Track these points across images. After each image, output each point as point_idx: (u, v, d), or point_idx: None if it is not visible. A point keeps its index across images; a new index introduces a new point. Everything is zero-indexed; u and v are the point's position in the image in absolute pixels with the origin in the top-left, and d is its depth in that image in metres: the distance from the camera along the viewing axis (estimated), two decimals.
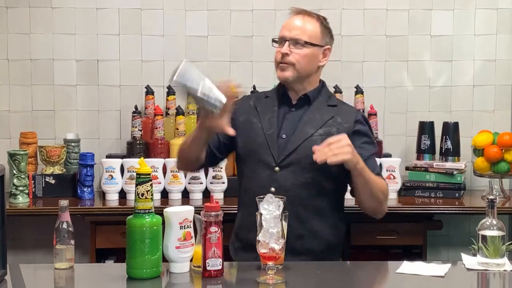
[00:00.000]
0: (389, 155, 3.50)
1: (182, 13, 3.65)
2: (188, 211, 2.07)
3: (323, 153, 2.21)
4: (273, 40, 2.52)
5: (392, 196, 3.35)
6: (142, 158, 2.13)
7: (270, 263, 1.97)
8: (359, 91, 3.56)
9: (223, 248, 2.03)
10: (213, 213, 2.00)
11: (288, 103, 2.51)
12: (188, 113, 3.51)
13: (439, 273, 2.07)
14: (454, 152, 3.48)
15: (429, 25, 3.69)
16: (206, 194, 3.33)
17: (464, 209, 3.32)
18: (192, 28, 3.65)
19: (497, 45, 3.69)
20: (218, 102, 2.19)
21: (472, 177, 3.57)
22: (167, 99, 3.55)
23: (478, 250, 2.13)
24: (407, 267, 2.12)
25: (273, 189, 2.35)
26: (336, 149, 2.21)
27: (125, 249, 2.00)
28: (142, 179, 1.97)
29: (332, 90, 3.51)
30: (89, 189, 3.35)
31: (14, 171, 3.24)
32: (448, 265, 2.13)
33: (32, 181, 3.34)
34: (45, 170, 3.40)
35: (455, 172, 3.39)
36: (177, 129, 3.42)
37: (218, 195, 3.29)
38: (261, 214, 1.97)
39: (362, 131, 2.47)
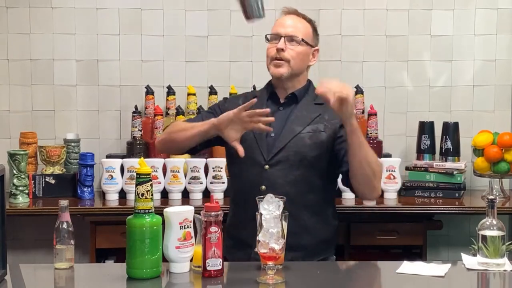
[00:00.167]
0: (389, 155, 3.51)
1: (182, 13, 3.65)
2: (188, 211, 2.07)
3: (328, 87, 2.22)
4: (266, 37, 2.54)
5: (392, 196, 3.36)
6: (142, 158, 2.13)
7: (270, 263, 1.97)
8: (359, 91, 3.56)
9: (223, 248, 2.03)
10: (213, 213, 2.00)
11: (277, 102, 2.54)
12: (188, 113, 3.51)
13: (439, 273, 2.07)
14: (454, 152, 3.48)
15: (429, 25, 3.69)
16: (206, 194, 3.33)
17: (464, 209, 3.32)
18: (192, 28, 3.65)
19: (497, 45, 3.69)
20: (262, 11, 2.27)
21: (472, 177, 3.57)
22: (167, 99, 3.55)
23: (478, 250, 2.13)
24: (407, 267, 2.12)
25: (263, 187, 2.38)
26: (339, 87, 2.22)
27: (125, 249, 2.00)
28: (142, 179, 1.97)
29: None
30: (89, 189, 3.35)
31: (14, 171, 3.24)
32: (448, 265, 2.13)
33: (32, 181, 3.34)
34: (45, 170, 3.40)
35: (455, 172, 3.39)
36: None
37: (218, 195, 3.29)
38: (261, 214, 1.97)
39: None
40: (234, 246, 2.42)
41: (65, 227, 2.09)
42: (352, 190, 2.49)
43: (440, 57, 3.70)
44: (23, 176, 3.26)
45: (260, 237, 1.96)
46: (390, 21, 3.68)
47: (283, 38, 2.48)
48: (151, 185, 1.98)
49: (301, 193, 2.41)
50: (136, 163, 2.09)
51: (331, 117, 2.47)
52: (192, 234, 2.06)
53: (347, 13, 3.68)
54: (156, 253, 1.99)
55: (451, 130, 3.50)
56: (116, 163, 3.32)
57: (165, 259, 2.05)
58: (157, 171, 3.26)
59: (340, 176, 2.52)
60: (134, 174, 2.04)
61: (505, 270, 2.09)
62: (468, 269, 2.12)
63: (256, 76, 3.62)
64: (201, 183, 3.32)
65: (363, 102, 3.56)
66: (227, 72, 3.66)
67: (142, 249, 1.97)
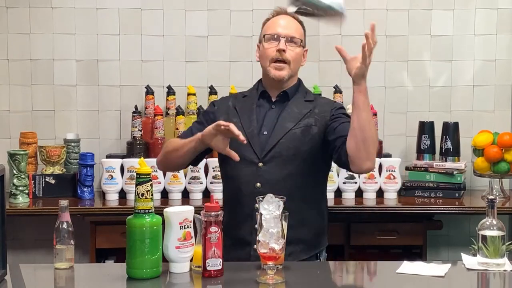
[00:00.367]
0: (389, 155, 3.51)
1: (182, 13, 3.65)
2: (188, 211, 2.07)
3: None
4: (264, 37, 2.53)
5: (392, 196, 3.36)
6: (142, 158, 2.13)
7: (270, 263, 1.97)
8: None
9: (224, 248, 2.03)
10: (213, 213, 2.00)
11: (268, 100, 2.55)
12: (188, 113, 3.51)
13: (439, 273, 2.07)
14: (454, 152, 3.48)
15: (429, 25, 3.69)
16: (206, 194, 3.33)
17: (464, 209, 3.32)
18: (192, 28, 3.65)
19: (497, 45, 3.69)
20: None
21: (472, 177, 3.57)
22: (167, 99, 3.55)
23: (478, 250, 2.13)
24: (407, 267, 2.12)
25: (258, 184, 2.39)
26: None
27: (125, 249, 2.00)
28: (142, 179, 1.97)
29: (332, 90, 3.52)
30: (89, 189, 3.35)
31: (14, 171, 3.24)
32: (448, 265, 2.13)
33: (32, 181, 3.34)
34: (45, 170, 3.41)
35: (455, 172, 3.39)
36: (177, 129, 3.42)
37: (218, 195, 3.28)
38: (261, 214, 1.97)
39: (340, 110, 2.53)
40: (233, 245, 2.42)
41: (65, 227, 2.09)
42: (346, 162, 2.36)
43: (440, 57, 3.70)
44: (23, 176, 3.26)
45: (260, 237, 1.96)
46: (390, 21, 3.68)
47: (283, 39, 2.48)
48: (151, 185, 1.98)
49: (295, 187, 2.41)
50: (136, 163, 2.09)
51: (322, 110, 2.50)
52: (192, 234, 2.06)
53: (347, 13, 3.67)
54: (156, 253, 1.99)
55: (451, 130, 3.50)
56: (116, 163, 3.32)
57: (165, 259, 2.05)
58: (157, 171, 3.25)
59: (334, 151, 2.46)
60: (134, 174, 2.04)
61: (505, 270, 2.09)
62: (468, 269, 2.12)
63: (256, 76, 3.59)
64: (201, 183, 3.33)
65: None
66: (227, 72, 3.66)
67: (142, 249, 1.97)
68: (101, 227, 3.19)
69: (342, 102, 3.51)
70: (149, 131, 3.49)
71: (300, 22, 2.56)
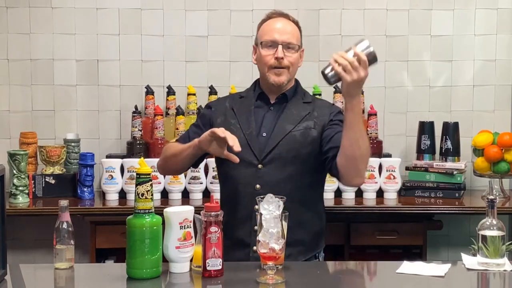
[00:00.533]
0: (389, 155, 3.51)
1: (182, 13, 3.65)
2: (188, 211, 2.07)
3: (342, 64, 2.22)
4: (262, 44, 2.50)
5: (392, 196, 3.36)
6: (142, 158, 2.13)
7: (270, 263, 1.97)
8: None
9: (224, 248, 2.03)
10: (213, 213, 2.00)
11: (266, 102, 2.55)
12: (188, 113, 3.51)
13: (439, 273, 2.07)
14: (454, 152, 3.48)
15: (429, 25, 3.69)
16: (206, 194, 3.34)
17: (464, 209, 3.32)
18: (192, 28, 3.65)
19: (497, 45, 3.69)
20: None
21: (472, 177, 3.58)
22: (167, 99, 3.55)
23: (478, 250, 2.13)
24: (407, 267, 2.12)
25: (258, 186, 2.39)
26: (354, 67, 2.21)
27: (125, 249, 2.00)
28: (142, 179, 1.97)
29: (332, 90, 3.52)
30: (89, 189, 3.35)
31: (14, 171, 3.24)
32: (448, 265, 2.13)
33: (32, 181, 3.34)
34: (45, 170, 3.41)
35: (455, 172, 3.39)
36: (177, 129, 3.42)
37: (218, 195, 3.26)
38: (261, 214, 1.97)
39: (338, 116, 2.50)
40: (232, 246, 2.42)
41: (65, 227, 2.09)
42: (337, 175, 2.40)
43: (440, 57, 3.70)
44: (23, 176, 3.26)
45: (260, 237, 1.96)
46: (390, 21, 3.68)
47: (280, 45, 2.47)
48: (151, 185, 1.98)
49: (295, 189, 2.42)
50: (136, 163, 2.09)
51: (320, 114, 2.50)
52: (192, 234, 2.06)
53: (347, 13, 3.68)
54: (156, 253, 1.99)
55: (451, 130, 3.50)
56: (116, 163, 3.32)
57: (165, 259, 2.05)
58: (157, 171, 3.25)
59: (327, 162, 2.47)
60: (134, 174, 2.04)
61: (505, 270, 2.09)
62: (468, 269, 2.12)
63: (256, 76, 3.60)
64: (201, 183, 3.33)
65: (363, 102, 3.56)
66: (227, 72, 3.66)
67: (142, 249, 1.97)
68: (101, 227, 3.19)
69: (342, 102, 3.51)
70: (149, 131, 3.49)
71: (296, 23, 2.56)
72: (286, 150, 2.43)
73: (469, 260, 2.17)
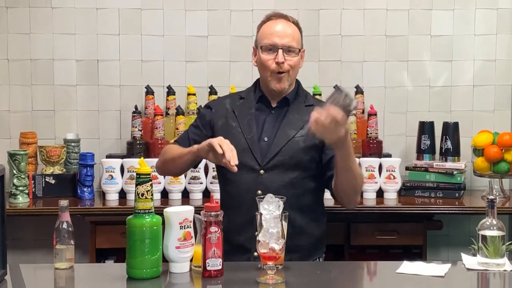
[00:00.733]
0: (389, 155, 3.51)
1: (182, 13, 3.65)
2: (188, 211, 2.07)
3: (320, 128, 2.15)
4: (262, 48, 2.48)
5: (392, 196, 3.36)
6: (142, 158, 2.13)
7: (270, 263, 1.97)
8: (359, 91, 3.56)
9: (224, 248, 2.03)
10: (213, 213, 2.00)
11: (267, 105, 2.53)
12: (188, 113, 3.51)
13: (439, 273, 2.07)
14: (454, 152, 3.48)
15: (429, 25, 3.69)
16: (206, 194, 3.33)
17: (464, 209, 3.32)
18: (192, 28, 3.65)
19: (497, 45, 3.69)
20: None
21: (472, 177, 3.57)
22: (167, 99, 3.55)
23: (478, 250, 2.13)
24: (407, 267, 2.12)
25: (259, 191, 2.36)
26: (331, 128, 2.14)
27: (125, 249, 2.00)
28: (142, 179, 1.97)
29: (332, 90, 3.51)
30: (89, 189, 3.35)
31: (14, 171, 3.24)
32: (448, 265, 2.13)
33: (32, 181, 3.34)
34: (45, 170, 3.40)
35: (455, 172, 3.39)
36: (177, 129, 3.42)
37: (218, 195, 3.26)
38: (261, 214, 1.97)
39: None
40: (232, 251, 2.40)
41: (65, 227, 2.09)
42: (332, 194, 2.50)
43: (440, 57, 3.70)
44: (23, 176, 3.26)
45: (260, 237, 1.96)
46: (390, 21, 3.68)
47: (280, 50, 2.45)
48: (151, 185, 1.98)
49: (296, 195, 2.41)
50: (136, 163, 2.09)
51: None
52: (192, 234, 2.06)
53: (347, 13, 3.68)
54: (156, 253, 1.99)
55: (451, 130, 3.50)
56: (116, 163, 3.32)
57: (165, 259, 2.05)
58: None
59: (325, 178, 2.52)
60: (134, 174, 2.04)
61: (505, 270, 2.09)
62: (468, 269, 2.13)
63: (256, 76, 3.60)
64: (201, 183, 3.33)
65: (363, 102, 3.57)
66: (227, 72, 3.66)
67: (142, 249, 1.97)
68: (101, 227, 3.19)
69: None
70: (149, 131, 3.49)
71: (296, 23, 2.53)
72: (289, 156, 2.42)
73: (469, 260, 2.17)
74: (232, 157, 2.22)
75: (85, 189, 3.34)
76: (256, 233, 1.99)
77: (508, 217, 3.60)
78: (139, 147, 3.43)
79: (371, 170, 3.32)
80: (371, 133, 3.47)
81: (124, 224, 2.00)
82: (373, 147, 3.44)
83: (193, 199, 3.31)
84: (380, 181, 3.35)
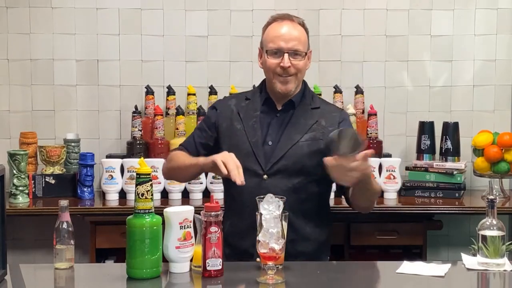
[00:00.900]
0: (389, 155, 3.51)
1: (182, 13, 3.65)
2: (188, 211, 2.07)
3: (339, 171, 2.17)
4: (267, 52, 2.45)
5: (392, 196, 3.36)
6: (142, 158, 2.13)
7: (270, 263, 1.97)
8: (359, 91, 3.56)
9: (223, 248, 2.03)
10: (213, 213, 2.00)
11: (272, 107, 2.49)
12: (188, 113, 3.51)
13: (439, 273, 2.07)
14: (454, 152, 3.48)
15: (429, 25, 3.69)
16: (206, 194, 3.33)
17: (464, 209, 3.32)
18: (192, 28, 3.65)
19: (497, 45, 3.69)
20: None
21: (472, 177, 3.57)
22: (167, 99, 3.55)
23: (478, 250, 2.13)
24: (407, 267, 2.12)
25: (263, 197, 2.34)
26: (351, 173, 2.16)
27: (125, 249, 2.00)
28: (142, 179, 1.97)
29: (332, 90, 3.52)
30: (89, 189, 3.35)
31: (14, 171, 3.24)
32: (448, 265, 2.13)
33: (32, 181, 3.34)
34: (45, 170, 3.40)
35: (455, 172, 3.39)
36: (177, 129, 3.42)
37: (218, 195, 3.28)
38: (261, 214, 1.97)
39: (347, 126, 2.48)
40: (235, 256, 2.39)
41: (65, 227, 2.09)
42: (347, 201, 2.51)
43: (440, 57, 3.70)
44: (23, 176, 3.26)
45: (260, 237, 1.96)
46: (390, 21, 3.68)
47: (286, 54, 2.40)
48: (151, 185, 1.98)
49: (300, 201, 2.39)
50: (136, 163, 2.09)
51: (329, 123, 2.45)
52: (192, 234, 2.06)
53: (347, 13, 3.68)
54: (156, 253, 1.99)
55: (451, 130, 3.50)
56: (116, 163, 3.32)
57: (165, 259, 2.05)
58: (157, 171, 3.25)
59: (334, 187, 2.55)
60: (134, 174, 2.04)
61: (505, 270, 2.09)
62: (468, 269, 2.13)
63: (256, 76, 3.61)
64: (201, 183, 3.32)
65: (363, 102, 3.56)
66: (227, 72, 3.66)
67: (142, 249, 1.97)
68: (101, 227, 3.19)
69: (342, 102, 3.53)
70: (149, 131, 3.49)
71: (303, 24, 2.49)
72: (292, 161, 2.39)
73: (469, 260, 2.17)
74: (237, 175, 2.20)
75: (85, 189, 3.34)
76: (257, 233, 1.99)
77: (508, 217, 3.60)
78: (139, 147, 3.43)
79: (371, 170, 3.31)
80: (371, 133, 3.47)
81: (124, 224, 2.00)
82: (373, 147, 3.43)
83: (193, 199, 3.31)
84: (380, 181, 3.35)
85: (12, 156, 3.24)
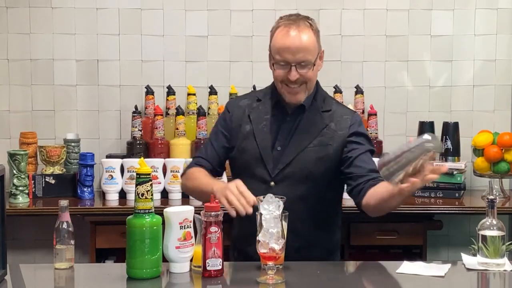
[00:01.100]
0: None
1: (182, 13, 3.65)
2: (188, 211, 2.07)
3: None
4: (274, 65, 2.36)
5: None
6: (142, 158, 2.13)
7: (270, 263, 1.97)
8: (359, 91, 3.56)
9: (223, 248, 2.03)
10: (213, 213, 2.00)
11: (283, 112, 2.43)
12: (188, 113, 3.51)
13: (439, 273, 2.07)
14: (454, 152, 3.48)
15: (429, 25, 3.69)
16: None
17: (464, 209, 3.32)
18: (192, 28, 3.65)
19: (497, 45, 3.69)
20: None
21: (472, 177, 3.57)
22: (167, 99, 3.55)
23: (478, 250, 2.13)
24: (407, 267, 2.12)
25: None
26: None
27: (125, 249, 2.00)
28: (142, 179, 1.97)
29: (332, 90, 3.51)
30: (89, 189, 3.35)
31: (14, 171, 3.24)
32: (448, 265, 2.13)
33: (32, 181, 3.34)
34: (45, 170, 3.40)
35: (455, 172, 3.39)
36: (177, 129, 3.42)
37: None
38: (261, 214, 1.97)
39: (358, 132, 2.42)
40: (240, 260, 2.36)
41: (65, 227, 2.09)
42: (358, 206, 2.40)
43: (440, 57, 3.70)
44: (23, 176, 3.26)
45: (260, 237, 1.96)
46: (390, 21, 3.68)
47: (293, 66, 2.31)
48: (151, 185, 1.98)
49: (309, 209, 2.35)
50: (136, 163, 2.09)
51: (339, 127, 2.39)
52: (192, 234, 2.06)
53: (347, 13, 3.68)
54: (156, 253, 1.99)
55: (451, 130, 3.50)
56: (116, 163, 3.32)
57: (165, 259, 2.05)
58: (157, 171, 3.26)
59: (346, 186, 2.42)
60: (134, 174, 2.04)
61: (505, 270, 2.09)
62: (468, 269, 2.13)
63: (256, 76, 3.62)
64: None
65: (363, 102, 3.56)
66: (227, 72, 3.66)
67: (142, 249, 1.97)
68: (101, 227, 3.19)
69: (342, 102, 3.52)
70: (149, 131, 3.49)
71: (310, 25, 2.36)
72: (299, 168, 2.34)
73: (469, 260, 2.17)
74: (243, 206, 2.11)
75: (85, 189, 3.34)
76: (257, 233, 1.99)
77: (508, 217, 3.60)
78: (139, 147, 3.43)
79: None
80: (371, 133, 3.46)
81: (124, 224, 2.00)
82: None
83: (193, 199, 3.29)
84: None
85: (12, 156, 3.24)
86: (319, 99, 2.44)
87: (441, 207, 3.25)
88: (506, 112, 3.71)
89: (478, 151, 3.46)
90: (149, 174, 1.98)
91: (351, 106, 3.52)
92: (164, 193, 3.33)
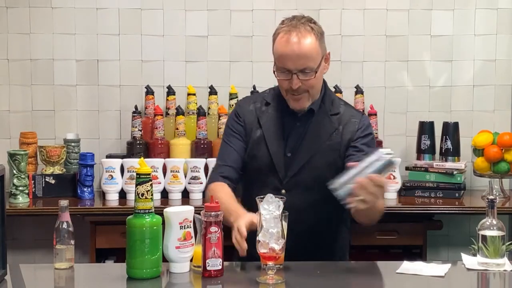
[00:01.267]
0: None
1: (182, 13, 3.65)
2: (188, 211, 2.07)
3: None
4: (275, 73, 2.35)
5: (392, 196, 3.35)
6: (142, 158, 2.13)
7: (270, 263, 1.97)
8: (359, 91, 3.56)
9: (224, 248, 2.03)
10: (213, 213, 2.00)
11: (292, 116, 2.41)
12: (188, 113, 3.51)
13: (439, 273, 2.07)
14: (454, 152, 3.48)
15: (429, 25, 3.69)
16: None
17: (464, 209, 3.32)
18: (192, 28, 3.65)
19: (497, 45, 3.69)
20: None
21: (472, 177, 3.57)
22: (167, 99, 3.55)
23: (478, 250, 2.13)
24: (407, 267, 2.12)
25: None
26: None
27: (125, 249, 2.00)
28: (142, 179, 1.97)
29: (332, 90, 3.51)
30: (89, 189, 3.35)
31: (14, 171, 3.24)
32: (448, 265, 2.13)
33: (32, 181, 3.34)
34: (45, 170, 3.40)
35: (455, 172, 3.39)
36: (177, 129, 3.42)
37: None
38: (261, 214, 1.97)
39: (362, 137, 2.41)
40: (244, 260, 2.36)
41: (65, 227, 2.09)
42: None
43: (440, 57, 3.70)
44: (23, 176, 3.26)
45: (260, 237, 1.96)
46: (390, 21, 3.68)
47: (295, 74, 2.28)
48: (151, 185, 1.98)
49: (318, 217, 2.34)
50: (136, 163, 2.09)
51: (346, 131, 2.38)
52: (192, 234, 2.07)
53: (347, 13, 3.68)
54: (156, 253, 1.99)
55: (451, 130, 3.50)
56: (116, 163, 3.32)
57: (165, 259, 2.05)
58: (157, 171, 3.26)
59: None
60: (134, 174, 2.04)
61: (505, 270, 2.09)
62: (468, 269, 2.13)
63: (256, 76, 3.62)
64: (201, 183, 3.32)
65: (363, 102, 3.56)
66: (227, 72, 3.66)
67: (142, 249, 1.97)
68: (101, 227, 3.19)
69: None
70: (149, 131, 3.49)
71: (312, 29, 2.34)
72: (310, 175, 2.33)
73: (469, 260, 2.17)
74: (240, 247, 2.07)
75: (85, 189, 3.34)
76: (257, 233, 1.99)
77: (508, 217, 3.60)
78: (139, 147, 3.43)
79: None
80: None
81: (124, 224, 2.00)
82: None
83: (193, 199, 3.31)
84: None
85: (12, 156, 3.24)
86: (327, 102, 2.44)
87: (441, 207, 3.25)
88: (506, 112, 3.71)
89: (478, 151, 3.46)
90: (149, 174, 1.98)
91: None
92: (164, 193, 3.33)
